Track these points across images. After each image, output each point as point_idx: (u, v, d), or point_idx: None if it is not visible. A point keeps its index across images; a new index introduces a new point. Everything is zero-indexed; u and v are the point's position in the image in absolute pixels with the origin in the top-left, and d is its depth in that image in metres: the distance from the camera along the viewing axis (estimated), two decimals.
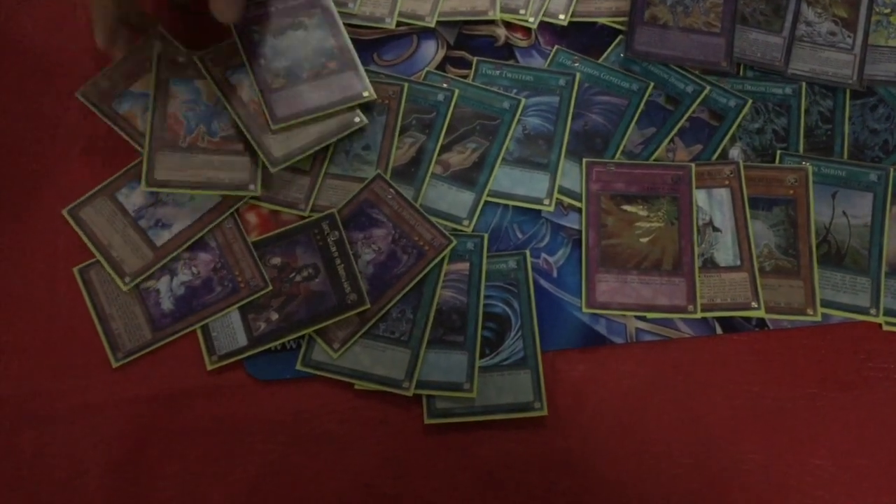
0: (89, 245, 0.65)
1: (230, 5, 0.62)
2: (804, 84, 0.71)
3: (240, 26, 0.69)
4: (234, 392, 0.62)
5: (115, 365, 0.62)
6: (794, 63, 0.72)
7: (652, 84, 0.71)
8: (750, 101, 0.70)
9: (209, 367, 0.62)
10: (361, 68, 0.69)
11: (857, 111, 0.71)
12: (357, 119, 0.67)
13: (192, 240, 0.65)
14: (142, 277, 0.64)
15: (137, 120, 0.68)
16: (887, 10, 0.74)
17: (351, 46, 0.69)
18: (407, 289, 0.63)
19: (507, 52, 0.73)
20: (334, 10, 0.71)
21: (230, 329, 0.63)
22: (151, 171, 0.65)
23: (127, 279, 0.64)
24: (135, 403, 0.62)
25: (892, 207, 0.67)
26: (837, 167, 0.68)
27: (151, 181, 0.65)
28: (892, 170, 0.67)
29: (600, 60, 0.72)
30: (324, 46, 0.69)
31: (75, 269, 0.65)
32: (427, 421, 0.61)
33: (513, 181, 0.68)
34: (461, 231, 0.66)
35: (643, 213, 0.67)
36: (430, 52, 0.73)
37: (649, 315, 0.64)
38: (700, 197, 0.67)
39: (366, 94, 0.68)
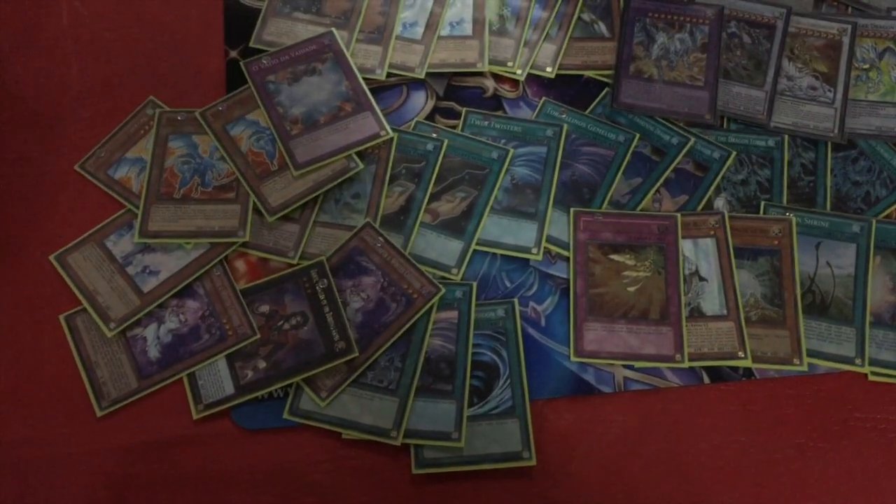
0: (75, 291, 0.65)
1: None
2: (787, 137, 0.73)
3: (256, 79, 0.70)
4: (221, 441, 0.62)
5: (99, 414, 0.62)
6: (776, 116, 0.74)
7: (638, 135, 0.72)
8: (734, 153, 0.71)
9: (195, 416, 0.62)
10: (377, 108, 0.70)
11: (839, 164, 0.72)
12: (353, 165, 0.68)
13: (180, 286, 0.65)
14: (127, 323, 0.64)
15: (132, 182, 0.69)
16: (866, 66, 0.76)
17: (365, 87, 0.71)
18: (395, 337, 0.63)
19: (496, 103, 0.74)
20: (346, 52, 0.72)
21: (217, 377, 0.63)
22: (145, 223, 0.66)
23: (112, 325, 0.63)
24: (119, 452, 0.61)
25: (875, 258, 0.68)
26: (821, 218, 0.69)
27: (144, 232, 0.65)
28: (874, 221, 0.68)
29: (587, 112, 0.74)
30: (338, 89, 0.71)
31: (61, 317, 0.64)
32: (415, 471, 0.60)
33: (501, 230, 0.68)
34: (450, 279, 0.67)
35: (630, 262, 0.67)
36: (420, 102, 0.74)
37: (637, 364, 0.65)
38: (686, 247, 0.68)
39: (383, 133, 0.69)
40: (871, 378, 0.65)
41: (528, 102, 0.74)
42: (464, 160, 0.71)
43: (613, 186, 0.70)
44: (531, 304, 0.67)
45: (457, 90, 0.75)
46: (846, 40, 0.76)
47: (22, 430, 0.62)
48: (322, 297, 0.64)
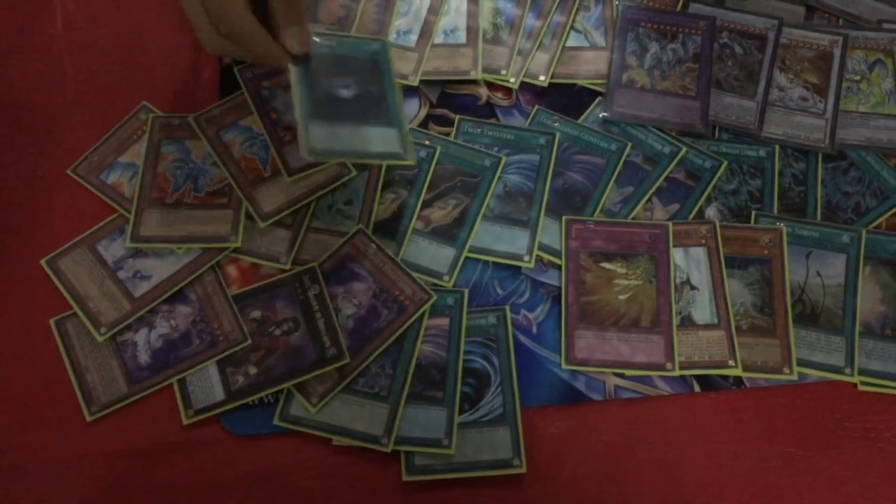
0: (66, 295, 0.64)
1: (300, 38, 0.60)
2: (777, 147, 0.73)
3: (250, 85, 0.70)
4: (211, 447, 0.62)
5: (88, 419, 0.62)
6: (767, 126, 0.74)
7: (630, 144, 0.72)
8: (725, 163, 0.72)
9: (185, 422, 0.61)
10: None
11: (830, 174, 0.73)
12: (347, 171, 0.68)
13: (171, 292, 0.65)
14: (118, 328, 0.63)
15: (124, 187, 0.69)
16: (857, 78, 0.76)
17: None
18: (387, 343, 0.63)
19: (489, 110, 0.75)
20: None
21: (207, 383, 0.62)
22: (137, 228, 0.66)
23: (103, 330, 0.63)
24: (108, 458, 0.61)
25: (864, 268, 0.68)
26: (811, 228, 0.69)
27: (136, 237, 0.65)
28: (864, 232, 0.69)
29: (580, 121, 0.74)
30: None
31: (52, 321, 0.64)
32: (405, 478, 0.60)
33: (493, 237, 0.69)
34: (441, 286, 0.67)
35: (622, 270, 0.68)
36: (413, 109, 0.74)
37: (628, 372, 0.65)
38: (677, 255, 0.68)
39: None
40: (861, 388, 0.65)
41: (521, 110, 0.75)
42: (456, 167, 0.71)
43: (605, 195, 0.70)
44: (523, 311, 0.67)
45: (450, 98, 0.75)
46: (837, 52, 0.76)
47: (10, 434, 0.62)
48: (314, 303, 0.64)
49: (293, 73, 0.60)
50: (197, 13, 0.57)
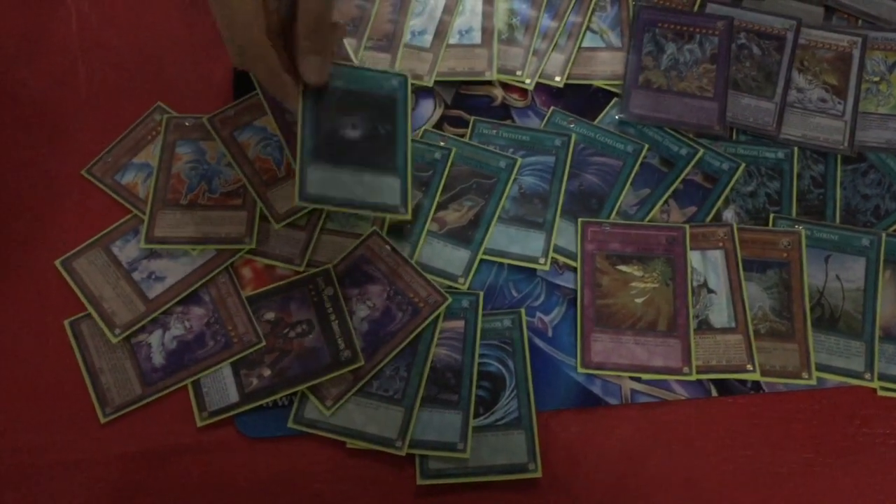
0: (80, 296, 0.64)
1: (318, 69, 0.58)
2: (796, 149, 0.72)
3: (274, 105, 0.70)
4: (224, 450, 0.61)
5: (103, 420, 0.61)
6: (785, 128, 0.73)
7: (647, 146, 0.71)
8: (743, 165, 0.71)
9: (199, 424, 0.61)
10: None
11: (849, 176, 0.72)
12: None
13: (185, 293, 0.65)
14: (132, 330, 0.63)
15: (139, 188, 0.69)
16: (876, 79, 0.75)
17: None
18: (401, 346, 0.63)
19: (504, 111, 0.74)
20: (354, 60, 0.71)
21: (222, 385, 0.62)
22: (152, 229, 0.66)
23: (117, 331, 0.63)
24: (122, 460, 0.61)
25: (884, 272, 0.67)
26: (830, 231, 0.69)
27: (151, 238, 0.65)
28: (884, 235, 0.68)
29: (596, 122, 0.73)
30: None
31: (66, 322, 0.64)
32: (420, 482, 0.60)
33: (508, 239, 0.68)
34: (456, 289, 0.66)
35: (638, 273, 0.67)
36: (428, 110, 0.74)
37: (644, 376, 0.64)
38: (694, 258, 0.67)
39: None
40: (881, 393, 0.64)
41: (536, 112, 0.74)
42: (471, 169, 0.70)
43: (621, 197, 0.70)
44: (538, 314, 0.66)
45: (465, 98, 0.74)
46: (856, 53, 0.75)
47: (24, 435, 0.62)
48: (328, 305, 0.64)
49: (300, 108, 0.58)
50: (222, 23, 0.56)
